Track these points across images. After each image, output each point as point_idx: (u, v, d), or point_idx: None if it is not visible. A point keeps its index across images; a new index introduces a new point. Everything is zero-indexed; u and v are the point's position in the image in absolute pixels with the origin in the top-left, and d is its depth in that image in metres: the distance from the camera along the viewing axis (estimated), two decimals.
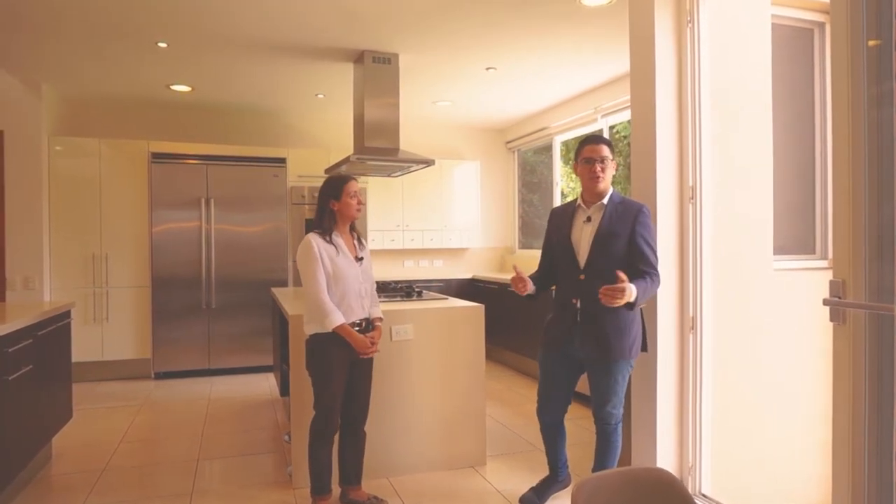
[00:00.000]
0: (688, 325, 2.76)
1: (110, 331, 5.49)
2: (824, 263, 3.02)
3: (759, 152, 2.84)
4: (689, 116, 2.74)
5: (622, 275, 2.32)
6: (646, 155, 2.82)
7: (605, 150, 2.64)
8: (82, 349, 5.32)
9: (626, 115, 5.13)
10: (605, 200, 2.63)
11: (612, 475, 1.23)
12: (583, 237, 2.64)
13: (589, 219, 2.66)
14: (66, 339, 3.58)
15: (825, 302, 1.75)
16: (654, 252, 2.55)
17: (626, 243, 2.54)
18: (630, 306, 2.36)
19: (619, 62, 4.68)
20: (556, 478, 2.88)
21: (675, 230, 2.79)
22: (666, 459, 2.78)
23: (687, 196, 2.76)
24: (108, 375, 5.54)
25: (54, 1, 3.47)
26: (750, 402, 2.84)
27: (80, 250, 5.41)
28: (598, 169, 2.61)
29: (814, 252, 3.07)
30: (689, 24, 2.73)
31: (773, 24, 2.87)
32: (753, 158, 2.84)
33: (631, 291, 2.31)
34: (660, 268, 2.67)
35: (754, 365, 2.84)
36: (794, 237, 3.07)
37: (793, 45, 3.05)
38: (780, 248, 2.94)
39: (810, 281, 2.90)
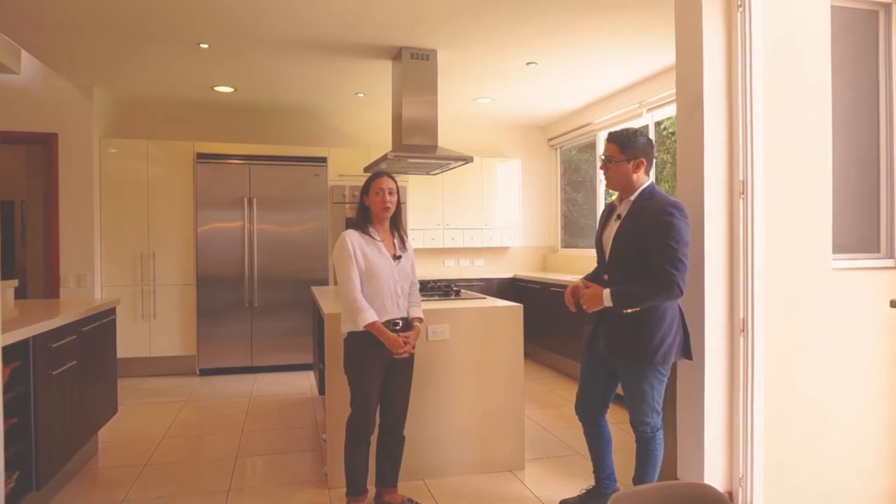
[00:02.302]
0: (738, 327, 2.61)
1: (157, 327, 5.63)
2: (890, 262, 2.81)
3: (817, 143, 2.66)
4: (740, 107, 2.59)
5: (587, 283, 2.47)
6: (692, 149, 2.68)
7: (609, 149, 2.54)
8: (131, 345, 5.49)
9: (672, 110, 4.93)
10: (634, 197, 2.50)
11: (651, 491, 1.13)
12: (611, 235, 2.55)
13: (619, 216, 2.55)
14: (112, 336, 3.66)
15: (893, 304, 1.61)
16: (669, 254, 2.31)
17: (647, 240, 2.38)
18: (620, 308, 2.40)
19: (665, 53, 4.51)
20: (599, 490, 2.76)
21: (724, 227, 2.64)
22: (714, 470, 2.63)
23: (737, 191, 2.61)
24: (155, 371, 5.68)
25: (101, 5, 3.55)
26: (806, 411, 2.66)
27: (129, 249, 5.56)
28: (604, 170, 2.58)
29: (878, 250, 2.87)
30: (740, 9, 2.57)
31: (832, 7, 2.69)
32: (811, 150, 2.66)
33: (605, 298, 2.38)
34: (706, 266, 2.54)
35: (811, 370, 2.66)
36: (857, 234, 2.86)
37: (854, 28, 2.85)
38: (841, 246, 2.74)
39: (875, 281, 2.71)
